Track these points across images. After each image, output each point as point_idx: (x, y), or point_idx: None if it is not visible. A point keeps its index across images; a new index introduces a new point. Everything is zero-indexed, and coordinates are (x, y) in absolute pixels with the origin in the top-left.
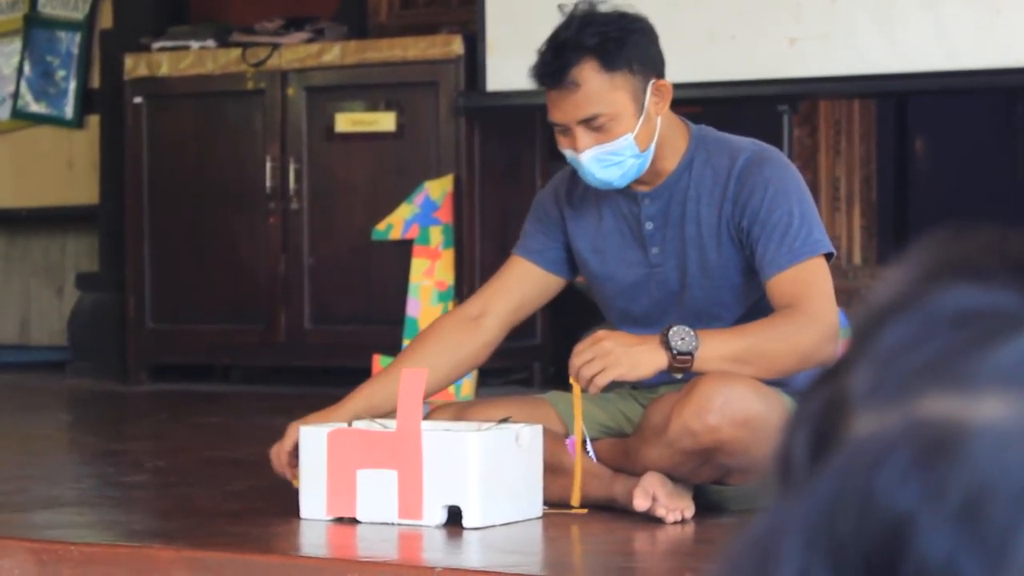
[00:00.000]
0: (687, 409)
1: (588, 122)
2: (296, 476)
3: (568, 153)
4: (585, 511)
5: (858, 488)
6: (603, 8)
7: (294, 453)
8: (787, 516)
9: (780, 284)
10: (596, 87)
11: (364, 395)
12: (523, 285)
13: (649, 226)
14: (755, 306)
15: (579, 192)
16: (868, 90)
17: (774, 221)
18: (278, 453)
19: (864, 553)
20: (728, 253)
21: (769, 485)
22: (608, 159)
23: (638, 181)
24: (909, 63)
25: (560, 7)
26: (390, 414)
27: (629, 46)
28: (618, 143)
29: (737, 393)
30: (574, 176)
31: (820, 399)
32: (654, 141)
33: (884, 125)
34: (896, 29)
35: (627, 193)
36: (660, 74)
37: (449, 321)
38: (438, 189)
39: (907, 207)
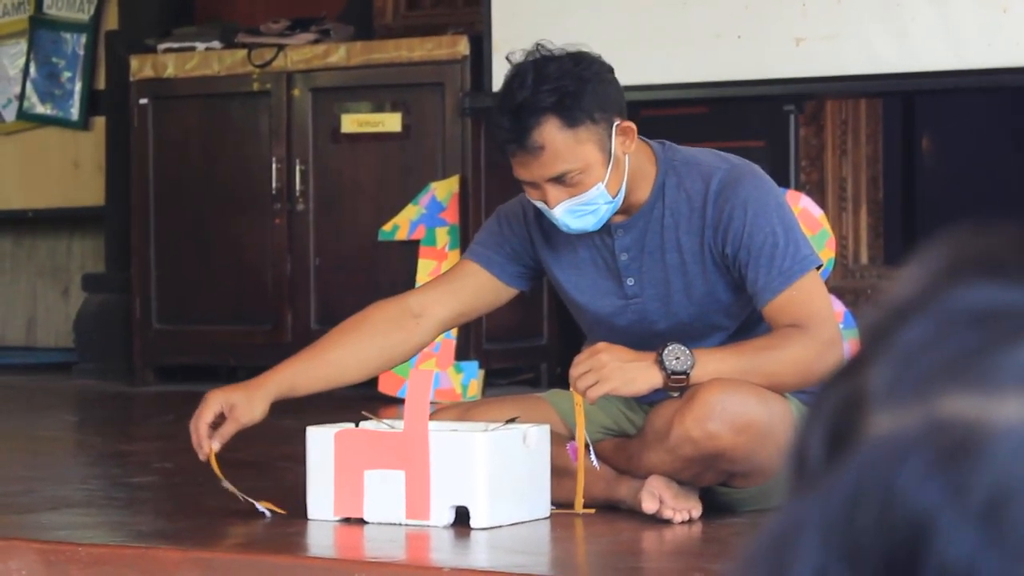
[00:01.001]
0: (688, 416)
1: (558, 179)
2: (211, 453)
3: (540, 205)
4: (592, 511)
5: (878, 487)
6: (554, 53)
7: (213, 425)
8: (804, 514)
9: (777, 309)
10: (561, 145)
11: (288, 375)
12: (476, 293)
13: (624, 257)
14: (748, 320)
15: (549, 220)
16: (875, 89)
17: (758, 244)
18: (196, 424)
19: (883, 552)
20: (714, 278)
21: (784, 483)
22: (581, 209)
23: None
24: (916, 62)
25: (507, 57)
26: (309, 395)
27: (587, 96)
28: (590, 194)
29: (737, 399)
30: None
31: (836, 396)
32: (624, 181)
33: (891, 124)
34: (903, 28)
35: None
36: (622, 114)
37: (387, 312)
38: (444, 190)
39: (914, 207)
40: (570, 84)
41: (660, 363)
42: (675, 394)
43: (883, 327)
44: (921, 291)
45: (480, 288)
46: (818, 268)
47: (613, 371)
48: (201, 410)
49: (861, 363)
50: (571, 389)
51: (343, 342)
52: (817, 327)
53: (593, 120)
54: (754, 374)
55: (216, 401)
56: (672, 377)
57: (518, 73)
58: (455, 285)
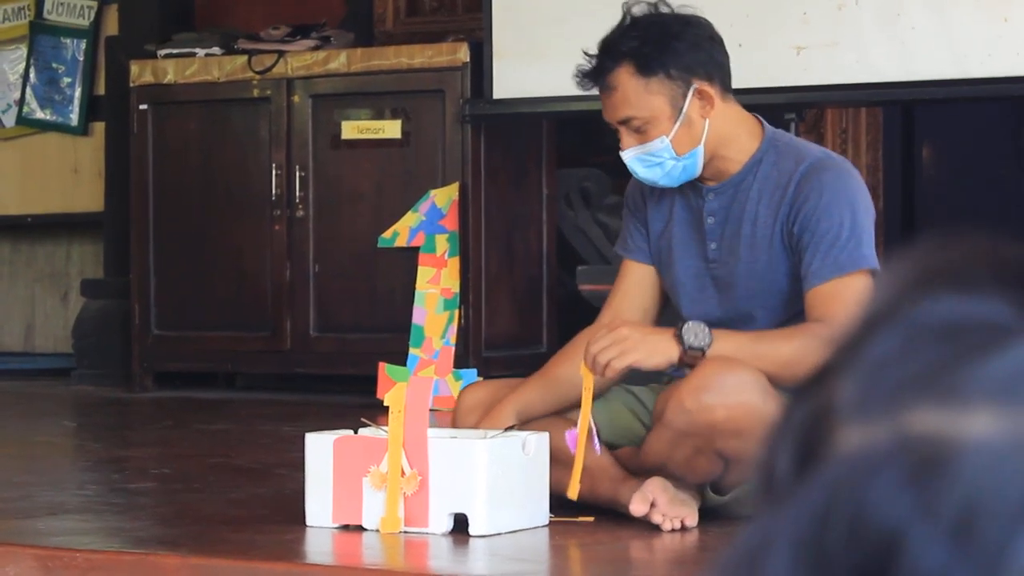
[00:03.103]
0: (684, 388)
1: (625, 123)
2: None
3: (621, 152)
4: (591, 519)
5: (848, 502)
6: (662, 10)
7: None
8: (774, 530)
9: (817, 296)
10: (631, 91)
11: (523, 398)
12: (643, 287)
13: (710, 220)
14: (798, 314)
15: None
16: (875, 98)
17: (823, 230)
18: None
19: (853, 568)
20: (779, 257)
21: (755, 496)
22: (648, 159)
23: (705, 176)
24: (916, 71)
25: (624, 3)
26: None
27: (668, 52)
28: (653, 144)
29: (736, 378)
30: None
31: (805, 410)
32: (700, 144)
33: (891, 133)
34: (903, 37)
35: (695, 185)
36: (709, 78)
37: (586, 336)
38: (444, 197)
39: (914, 215)
40: (655, 36)
41: (679, 337)
42: (688, 370)
43: (851, 340)
44: (889, 304)
45: (644, 279)
46: (873, 273)
47: (636, 343)
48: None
49: (829, 377)
50: (582, 368)
51: (555, 371)
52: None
53: (668, 75)
54: (768, 361)
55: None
56: (689, 352)
57: (621, 19)
58: (625, 287)
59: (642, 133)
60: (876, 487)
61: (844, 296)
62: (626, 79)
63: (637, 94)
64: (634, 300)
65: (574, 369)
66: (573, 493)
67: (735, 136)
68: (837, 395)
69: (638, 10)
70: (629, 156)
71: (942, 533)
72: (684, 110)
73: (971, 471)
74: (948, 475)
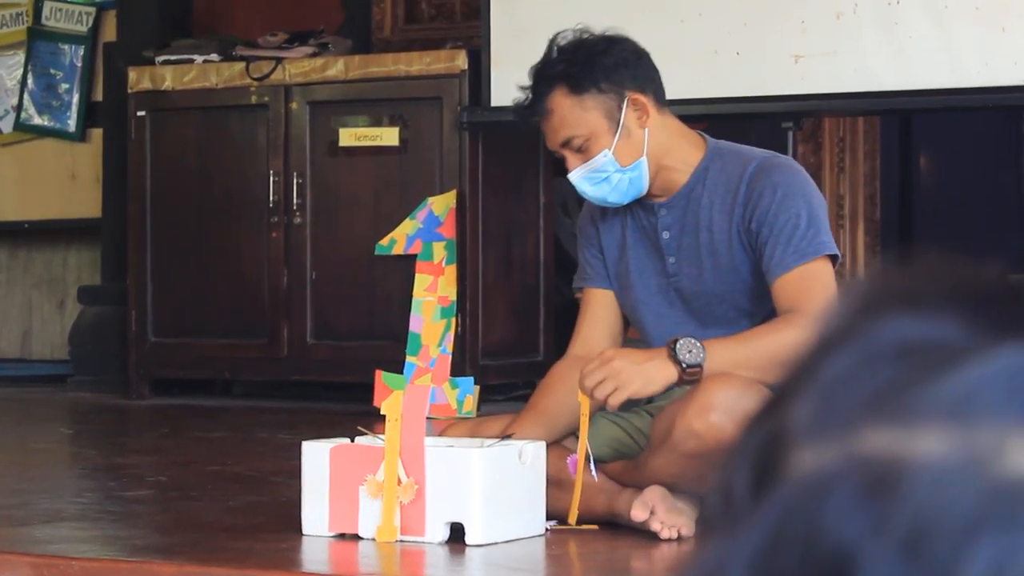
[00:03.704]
0: (690, 410)
1: (567, 144)
2: None
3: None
4: (596, 527)
5: (801, 524)
6: (586, 36)
7: None
8: (728, 553)
9: (784, 286)
10: (567, 110)
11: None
12: (607, 311)
13: (666, 235)
14: (768, 308)
15: (606, 210)
16: (873, 107)
17: (781, 223)
18: None
19: None
20: (740, 257)
21: (712, 520)
22: (595, 176)
23: (653, 193)
24: (914, 80)
25: (551, 37)
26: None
27: (596, 67)
28: (597, 160)
29: (739, 393)
30: None
31: (760, 433)
32: (642, 155)
33: (888, 142)
34: (901, 46)
35: (644, 204)
36: (641, 89)
37: (563, 366)
38: (441, 205)
39: (911, 225)
40: (580, 56)
41: (673, 358)
42: (689, 388)
43: (806, 362)
44: (843, 326)
45: (607, 304)
46: (834, 260)
47: (631, 375)
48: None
49: (784, 399)
50: (580, 398)
51: (541, 404)
52: (814, 313)
53: (599, 89)
54: (761, 359)
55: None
56: (687, 370)
57: (548, 49)
58: (591, 316)
59: (584, 152)
60: (829, 507)
61: (810, 281)
62: (560, 100)
63: (573, 113)
64: (602, 326)
65: (558, 401)
66: (573, 518)
67: (677, 146)
68: (791, 417)
69: (562, 38)
70: (576, 176)
71: (894, 551)
72: (621, 121)
73: (921, 489)
74: (899, 494)
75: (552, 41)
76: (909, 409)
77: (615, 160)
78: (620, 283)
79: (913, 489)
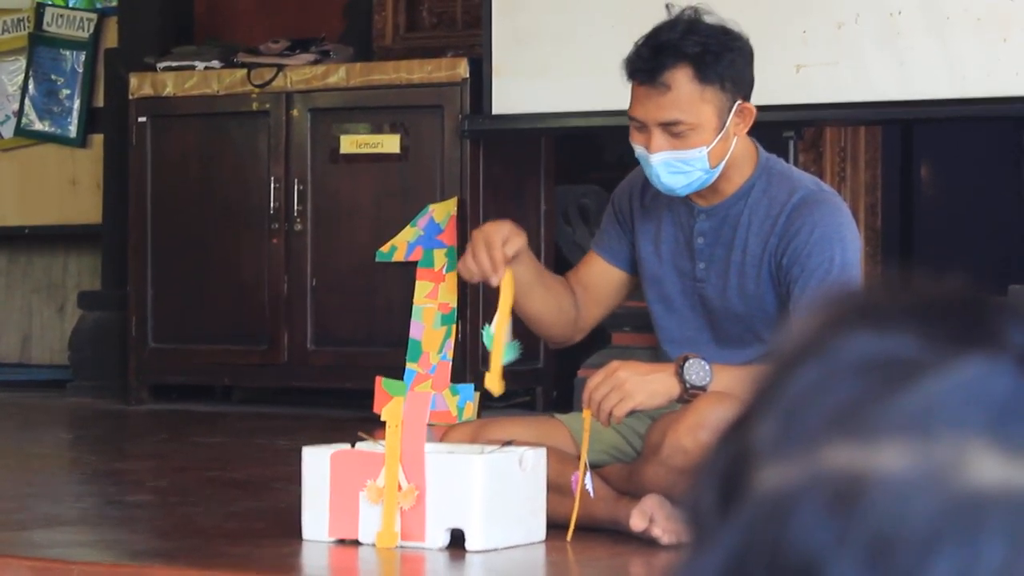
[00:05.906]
0: (681, 426)
1: (668, 126)
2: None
3: (639, 149)
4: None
5: (767, 539)
6: (709, 19)
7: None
8: (697, 569)
9: None
10: (686, 94)
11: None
12: (602, 282)
13: (700, 241)
14: None
15: (651, 193)
16: (874, 117)
17: (813, 266)
18: (489, 249)
19: None
20: (766, 286)
21: (684, 537)
22: (678, 166)
23: (698, 194)
24: (915, 90)
25: (667, 7)
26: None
27: (725, 63)
28: (691, 153)
29: (730, 413)
30: None
31: (727, 451)
32: (725, 160)
33: (890, 152)
34: (902, 56)
35: (687, 203)
36: (747, 96)
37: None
38: (442, 212)
39: (912, 234)
40: (715, 44)
41: (680, 375)
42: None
43: (770, 381)
44: (806, 343)
45: (604, 276)
46: None
47: (635, 387)
48: (488, 235)
49: (750, 417)
50: (584, 411)
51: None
52: None
53: (722, 87)
54: None
55: (506, 227)
56: (690, 391)
57: (672, 20)
58: (587, 280)
59: (680, 139)
60: (793, 523)
61: None
62: (683, 82)
63: (691, 99)
64: (592, 293)
65: (557, 286)
66: (570, 535)
67: (740, 158)
68: (756, 435)
69: (687, 14)
70: (658, 159)
71: (858, 563)
72: (727, 124)
73: (883, 502)
74: (862, 507)
75: (678, 12)
76: (870, 424)
77: (707, 159)
78: (650, 273)
79: (875, 502)
